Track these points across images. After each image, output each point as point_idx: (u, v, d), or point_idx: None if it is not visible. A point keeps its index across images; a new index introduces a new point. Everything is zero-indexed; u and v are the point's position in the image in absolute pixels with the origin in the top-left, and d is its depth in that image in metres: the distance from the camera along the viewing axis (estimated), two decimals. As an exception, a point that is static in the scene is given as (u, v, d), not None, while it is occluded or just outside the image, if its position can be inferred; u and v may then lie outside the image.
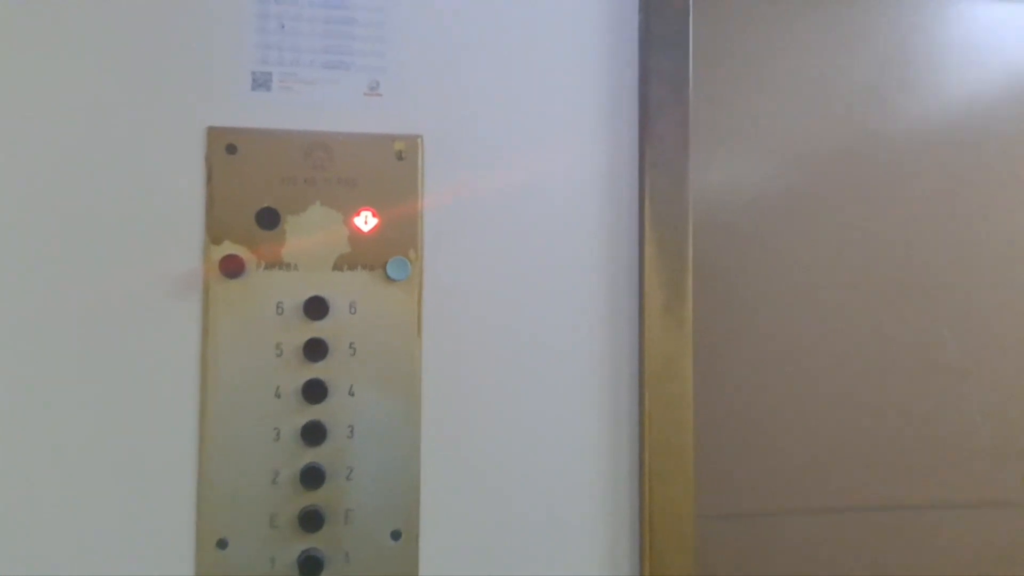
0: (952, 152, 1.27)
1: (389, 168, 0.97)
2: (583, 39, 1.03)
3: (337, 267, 0.94)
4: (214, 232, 0.91)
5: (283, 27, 0.96)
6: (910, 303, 1.24)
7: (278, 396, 0.91)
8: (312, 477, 0.90)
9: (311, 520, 0.89)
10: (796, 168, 1.22)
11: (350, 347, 0.93)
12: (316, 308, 0.91)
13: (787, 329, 1.20)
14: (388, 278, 0.94)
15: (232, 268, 0.90)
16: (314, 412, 0.92)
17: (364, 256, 0.94)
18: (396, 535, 0.93)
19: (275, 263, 0.92)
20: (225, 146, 0.93)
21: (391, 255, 0.95)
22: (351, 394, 0.93)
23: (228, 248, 0.91)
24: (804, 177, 1.22)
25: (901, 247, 1.24)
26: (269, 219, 0.92)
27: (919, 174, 1.25)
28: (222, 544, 0.90)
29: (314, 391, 0.91)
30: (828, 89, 1.24)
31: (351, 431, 0.93)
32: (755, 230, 1.20)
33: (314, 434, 0.91)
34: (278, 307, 0.92)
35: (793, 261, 1.21)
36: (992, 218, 1.27)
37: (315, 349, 0.91)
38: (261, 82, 0.96)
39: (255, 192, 0.93)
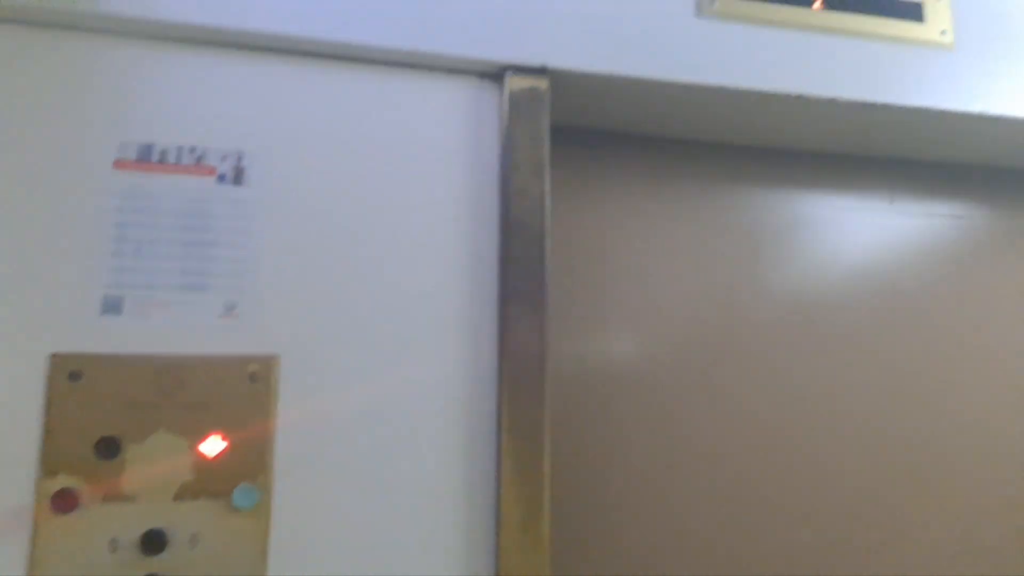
0: (800, 322, 1.32)
1: (242, 390, 0.96)
2: (443, 255, 1.06)
3: (179, 497, 0.91)
4: (49, 464, 0.89)
5: (139, 250, 0.97)
6: (770, 466, 1.26)
7: (105, 642, 0.86)
8: None
9: None
10: (654, 351, 1.25)
11: (188, 584, 0.89)
12: (153, 542, 0.88)
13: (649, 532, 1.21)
14: (234, 507, 0.92)
15: (65, 504, 0.87)
16: (144, 657, 0.87)
17: (209, 484, 0.92)
18: None
19: (113, 495, 0.89)
20: (68, 373, 0.91)
21: (238, 482, 0.93)
22: (186, 636, 0.88)
23: (63, 481, 0.88)
24: (661, 357, 1.26)
25: (760, 414, 1.27)
26: (109, 449, 0.90)
27: (768, 348, 1.30)
28: None
29: (145, 635, 0.86)
30: (691, 267, 1.29)
31: (184, 677, 0.88)
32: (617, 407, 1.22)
33: None
34: (112, 544, 0.88)
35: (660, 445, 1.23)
36: (831, 385, 1.32)
37: (149, 588, 0.87)
38: (112, 306, 0.95)
39: (97, 421, 0.91)
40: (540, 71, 1.10)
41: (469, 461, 1.01)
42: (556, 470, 1.19)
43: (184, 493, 0.91)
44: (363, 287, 1.02)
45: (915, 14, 1.23)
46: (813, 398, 1.31)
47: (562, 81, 1.13)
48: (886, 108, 1.22)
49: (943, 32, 1.23)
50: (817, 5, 1.19)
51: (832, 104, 1.20)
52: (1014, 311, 1.43)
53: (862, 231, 1.40)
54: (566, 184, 1.27)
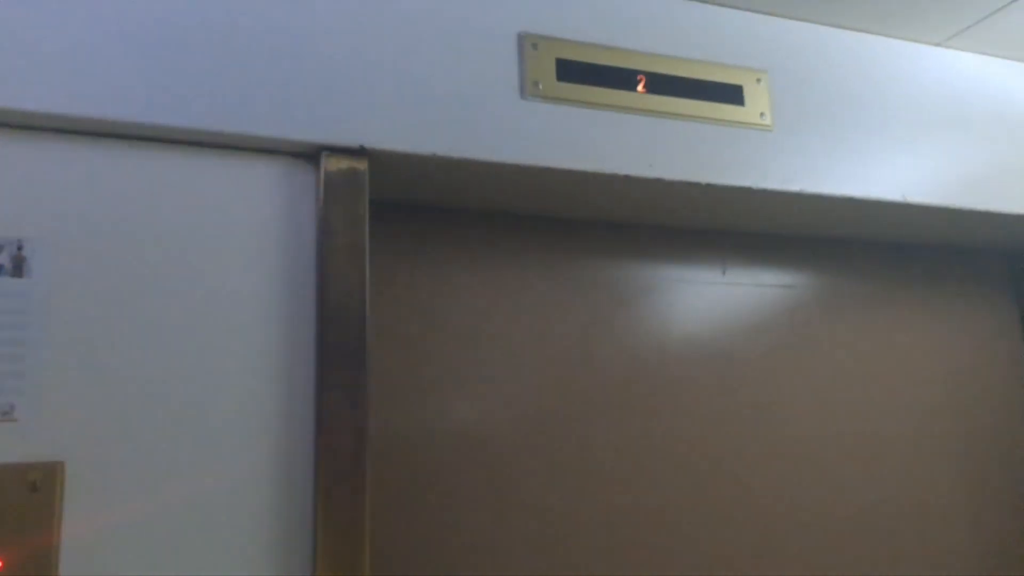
0: (635, 389, 1.32)
1: (20, 501, 0.87)
2: (252, 345, 1.00)
3: (-64, 631, 0.81)
4: None
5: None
6: (611, 526, 1.25)
7: None
8: None
9: None
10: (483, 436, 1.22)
11: None
12: None
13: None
14: (1, 638, 0.83)
15: None
16: None
17: (-27, 614, 0.83)
18: None
19: None
20: None
21: (9, 608, 0.84)
22: None
23: None
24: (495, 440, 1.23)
25: (596, 477, 1.26)
26: None
27: (604, 412, 1.29)
28: None
29: None
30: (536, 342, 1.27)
31: None
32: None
33: None
34: None
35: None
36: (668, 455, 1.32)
37: None
38: None
39: None
40: (358, 152, 1.07)
41: (283, 568, 0.95)
42: (382, 561, 1.14)
43: (-59, 627, 0.81)
44: (162, 383, 0.95)
45: (735, 97, 1.26)
46: (649, 460, 1.31)
47: (383, 161, 1.09)
48: (710, 188, 1.24)
49: (762, 115, 1.27)
50: (640, 88, 1.21)
51: (658, 184, 1.22)
52: (841, 374, 1.48)
53: (697, 301, 1.42)
54: (391, 264, 1.24)
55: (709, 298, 1.42)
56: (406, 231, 1.26)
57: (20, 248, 0.93)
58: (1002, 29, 1.41)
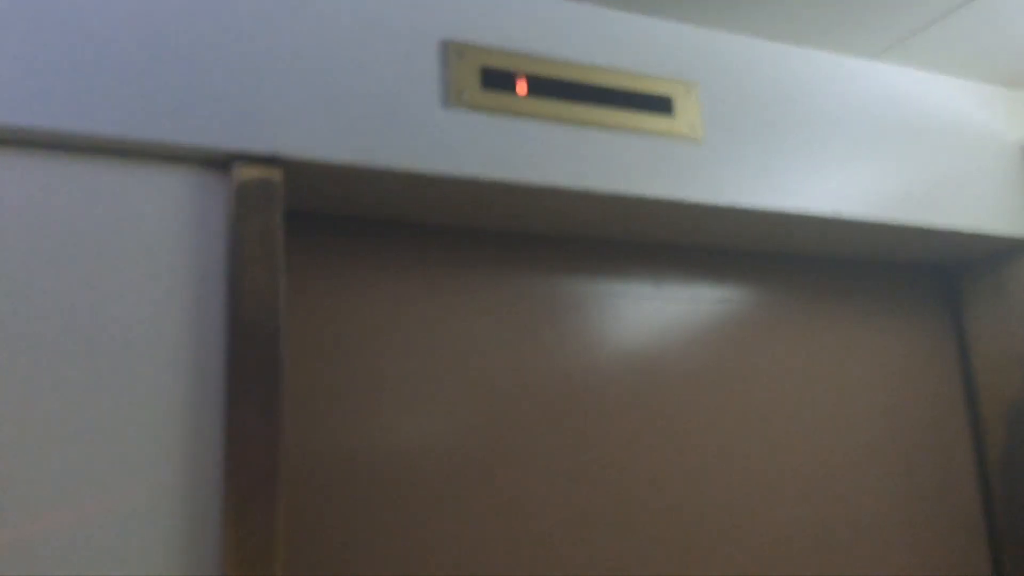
0: (566, 405, 1.30)
1: None
2: (155, 360, 0.95)
3: None
4: None
5: None
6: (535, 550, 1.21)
7: None
8: None
9: None
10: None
11: None
12: None
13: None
14: None
15: None
16: None
17: None
18: None
19: None
20: None
21: None
22: None
23: None
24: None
25: (524, 495, 1.23)
26: None
27: (530, 428, 1.26)
28: None
29: None
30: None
31: None
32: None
33: None
34: None
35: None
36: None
37: None
38: None
39: None
40: (272, 160, 1.03)
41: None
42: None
43: None
44: (63, 399, 0.91)
45: (665, 108, 1.24)
46: (575, 477, 1.28)
47: (299, 170, 1.06)
48: (639, 200, 1.22)
49: (692, 126, 1.25)
50: (567, 98, 1.19)
51: (585, 196, 1.20)
52: (777, 390, 1.47)
53: (630, 316, 1.39)
54: (309, 277, 1.20)
55: (642, 313, 1.40)
56: (324, 243, 1.22)
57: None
58: (935, 43, 1.42)
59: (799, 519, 1.41)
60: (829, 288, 1.57)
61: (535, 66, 1.18)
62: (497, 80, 1.15)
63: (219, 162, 1.02)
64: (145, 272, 0.97)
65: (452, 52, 1.14)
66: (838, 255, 1.57)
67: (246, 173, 1.02)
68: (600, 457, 1.31)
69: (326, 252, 1.22)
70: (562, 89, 1.19)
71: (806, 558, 1.39)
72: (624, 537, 1.29)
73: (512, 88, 1.16)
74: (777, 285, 1.52)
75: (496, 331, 1.28)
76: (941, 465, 1.58)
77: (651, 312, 1.41)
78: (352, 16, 1.10)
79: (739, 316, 1.48)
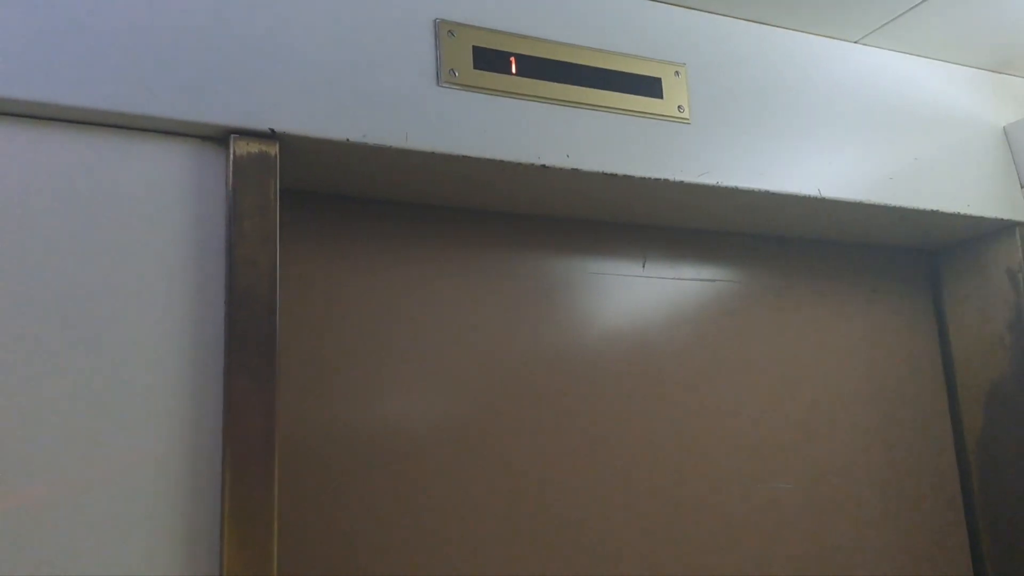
0: (557, 385, 1.33)
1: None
2: (157, 332, 0.98)
3: None
4: None
5: None
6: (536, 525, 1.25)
7: None
8: None
9: None
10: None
11: None
12: None
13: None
14: None
15: None
16: None
17: None
18: None
19: None
20: None
21: None
22: None
23: None
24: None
25: (520, 472, 1.26)
26: None
27: (524, 408, 1.30)
28: None
29: None
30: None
31: None
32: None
33: None
34: None
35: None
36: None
37: None
38: None
39: None
40: (268, 135, 1.06)
41: (187, 558, 0.93)
42: (291, 553, 1.13)
43: None
44: (63, 370, 0.93)
45: (654, 90, 1.27)
46: (565, 455, 1.31)
47: (294, 146, 1.08)
48: (627, 179, 1.25)
49: (680, 107, 1.28)
50: (558, 78, 1.21)
51: (575, 174, 1.22)
52: (761, 368, 1.50)
53: (617, 295, 1.43)
54: (305, 252, 1.23)
55: (629, 292, 1.43)
56: (320, 220, 1.25)
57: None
58: (919, 26, 1.44)
59: (780, 493, 1.44)
60: (813, 268, 1.60)
61: (527, 46, 1.21)
62: (489, 60, 1.18)
63: (217, 137, 1.05)
64: (145, 243, 1.00)
65: (445, 31, 1.16)
66: (822, 235, 1.60)
67: (243, 148, 1.05)
68: (589, 434, 1.34)
69: (321, 229, 1.25)
70: (553, 70, 1.22)
71: (784, 530, 1.43)
72: (614, 509, 1.33)
73: (504, 68, 1.18)
74: (761, 265, 1.55)
75: (486, 309, 1.32)
76: (920, 443, 1.62)
77: (638, 291, 1.44)
78: (349, -4, 1.13)
79: (723, 295, 1.51)
